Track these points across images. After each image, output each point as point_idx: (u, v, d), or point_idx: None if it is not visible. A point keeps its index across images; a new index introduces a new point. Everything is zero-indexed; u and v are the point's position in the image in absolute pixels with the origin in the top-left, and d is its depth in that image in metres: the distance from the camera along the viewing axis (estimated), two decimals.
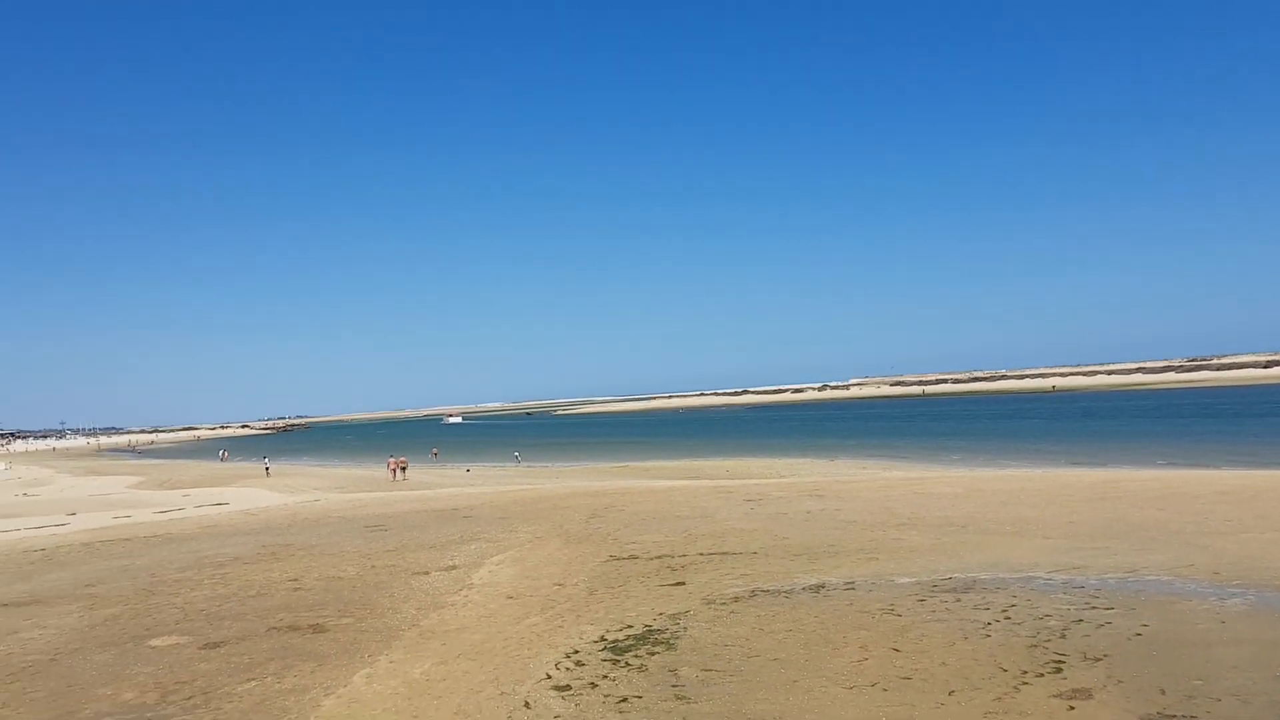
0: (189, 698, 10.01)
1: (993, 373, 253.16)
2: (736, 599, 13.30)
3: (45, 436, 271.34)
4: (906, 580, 14.04)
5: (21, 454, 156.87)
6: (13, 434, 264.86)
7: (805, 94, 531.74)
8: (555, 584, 15.38)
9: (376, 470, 59.93)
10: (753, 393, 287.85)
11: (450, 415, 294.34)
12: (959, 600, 12.41)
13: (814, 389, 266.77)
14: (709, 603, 13.15)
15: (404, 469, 52.22)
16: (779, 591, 13.69)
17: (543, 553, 18.68)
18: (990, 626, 10.92)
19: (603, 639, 11.45)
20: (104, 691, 10.47)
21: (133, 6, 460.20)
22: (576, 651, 10.94)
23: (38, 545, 25.16)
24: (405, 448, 76.54)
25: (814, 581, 14.30)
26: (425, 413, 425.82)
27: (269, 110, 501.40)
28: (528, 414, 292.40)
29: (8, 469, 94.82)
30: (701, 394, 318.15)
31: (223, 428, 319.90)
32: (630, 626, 12.00)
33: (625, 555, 17.73)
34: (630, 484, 36.99)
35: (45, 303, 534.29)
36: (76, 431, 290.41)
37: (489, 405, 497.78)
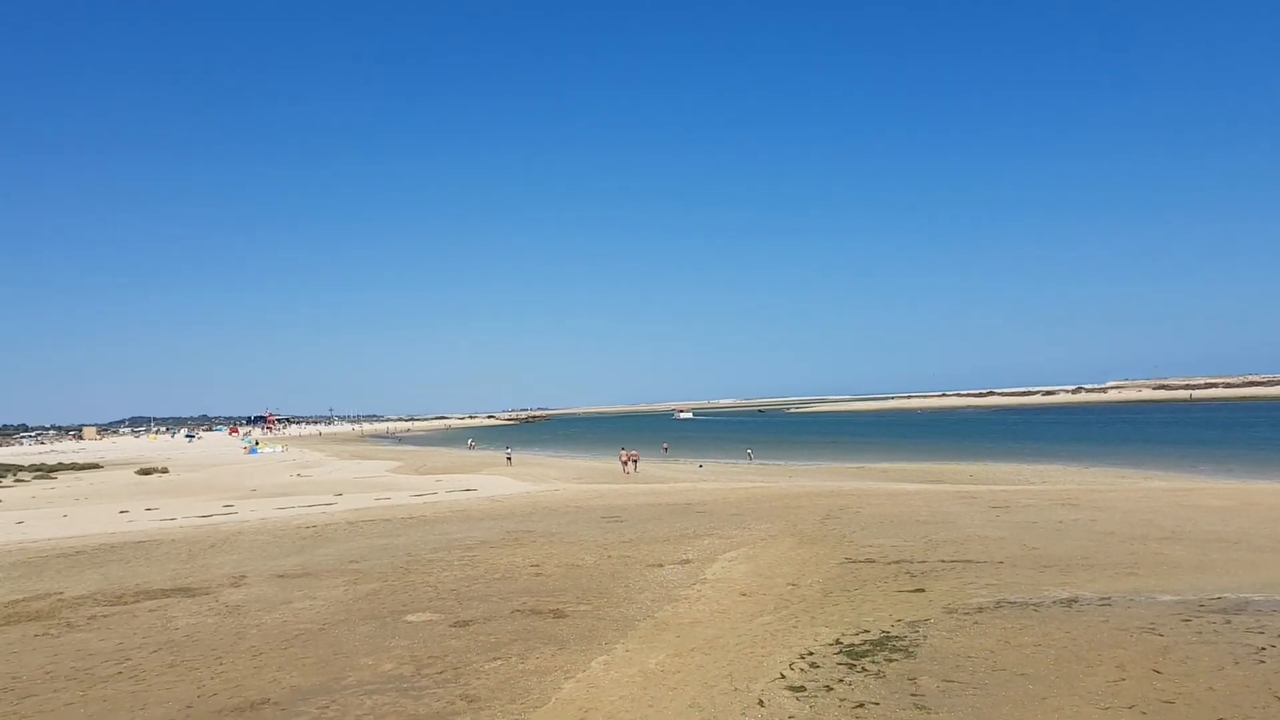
0: (441, 672, 10.58)
1: (1271, 377, 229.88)
2: (980, 609, 12.71)
3: (315, 422, 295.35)
4: (1169, 598, 12.98)
5: (295, 438, 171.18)
6: (289, 419, 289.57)
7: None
8: (789, 583, 15.24)
9: (609, 462, 61.43)
10: (999, 394, 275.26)
11: (681, 411, 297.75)
12: (1229, 622, 11.35)
13: (1067, 391, 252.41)
14: (950, 611, 12.64)
15: (635, 462, 53.05)
16: (1027, 604, 12.98)
17: (776, 551, 18.56)
18: (1265, 652, 9.91)
19: (838, 642, 11.23)
20: (366, 661, 11.23)
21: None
22: (811, 653, 10.78)
23: (310, 522, 27.40)
24: (636, 441, 78.04)
25: (1066, 595, 13.47)
26: (657, 407, 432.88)
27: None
28: (760, 411, 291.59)
29: (284, 451, 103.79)
30: (943, 395, 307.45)
31: (470, 417, 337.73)
32: (867, 631, 11.70)
33: (861, 558, 17.35)
34: (867, 485, 36.20)
35: (318, 303, 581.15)
36: (343, 418, 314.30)
37: (721, 402, 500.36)
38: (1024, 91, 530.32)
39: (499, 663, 10.87)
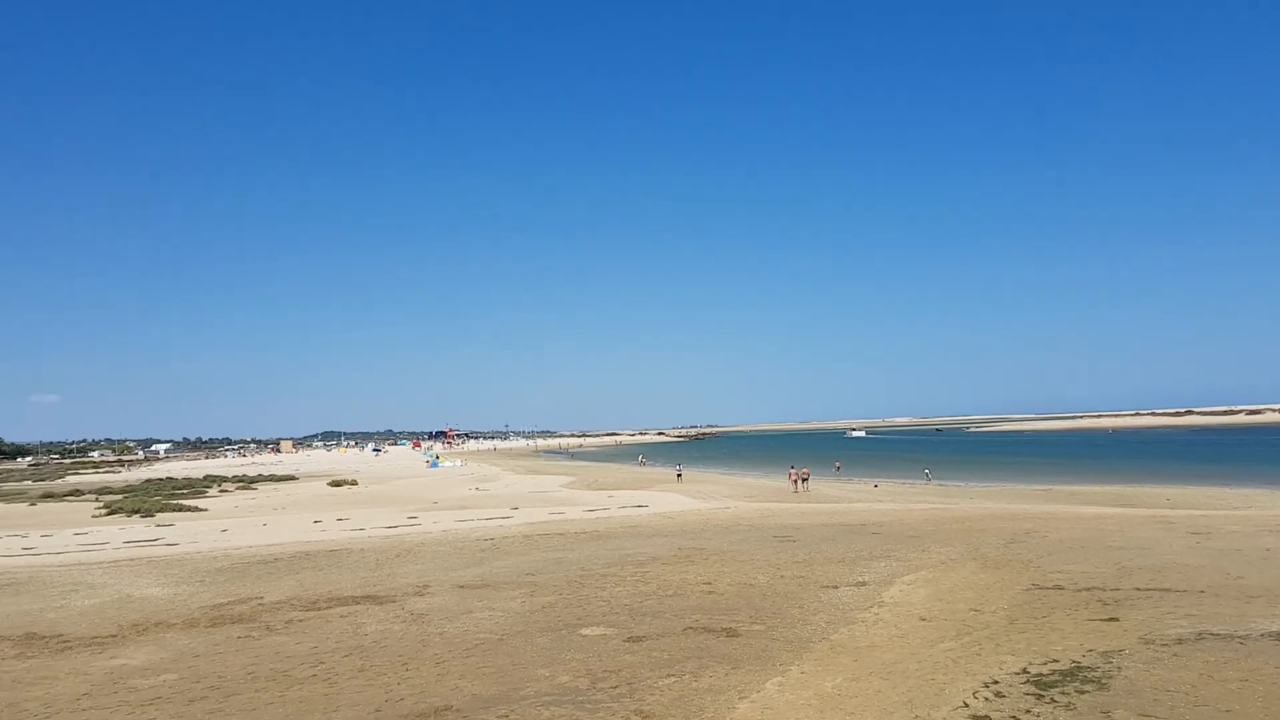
0: (615, 686, 10.66)
1: None
2: (1180, 640, 11.90)
3: (492, 438, 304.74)
4: None
5: (473, 453, 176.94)
6: (467, 434, 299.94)
7: None
8: (971, 609, 14.67)
9: (779, 480, 60.78)
10: (1198, 413, 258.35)
11: (853, 429, 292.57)
12: None
13: (1274, 410, 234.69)
14: (1147, 642, 11.88)
15: (805, 480, 52.39)
16: (1231, 636, 12.07)
17: (957, 575, 17.92)
18: None
19: (1025, 671, 10.72)
20: (543, 672, 11.43)
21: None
22: (996, 682, 10.33)
23: (488, 535, 28.22)
24: (807, 459, 76.98)
25: (1275, 628, 12.46)
26: (829, 426, 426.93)
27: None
28: (938, 430, 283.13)
29: (463, 465, 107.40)
30: (1136, 413, 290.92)
31: (641, 434, 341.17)
32: (1055, 661, 11.13)
33: (1049, 584, 16.53)
34: (1053, 508, 34.54)
35: (495, 321, 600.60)
36: (518, 433, 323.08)
37: (896, 420, 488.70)
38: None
39: (673, 679, 10.87)
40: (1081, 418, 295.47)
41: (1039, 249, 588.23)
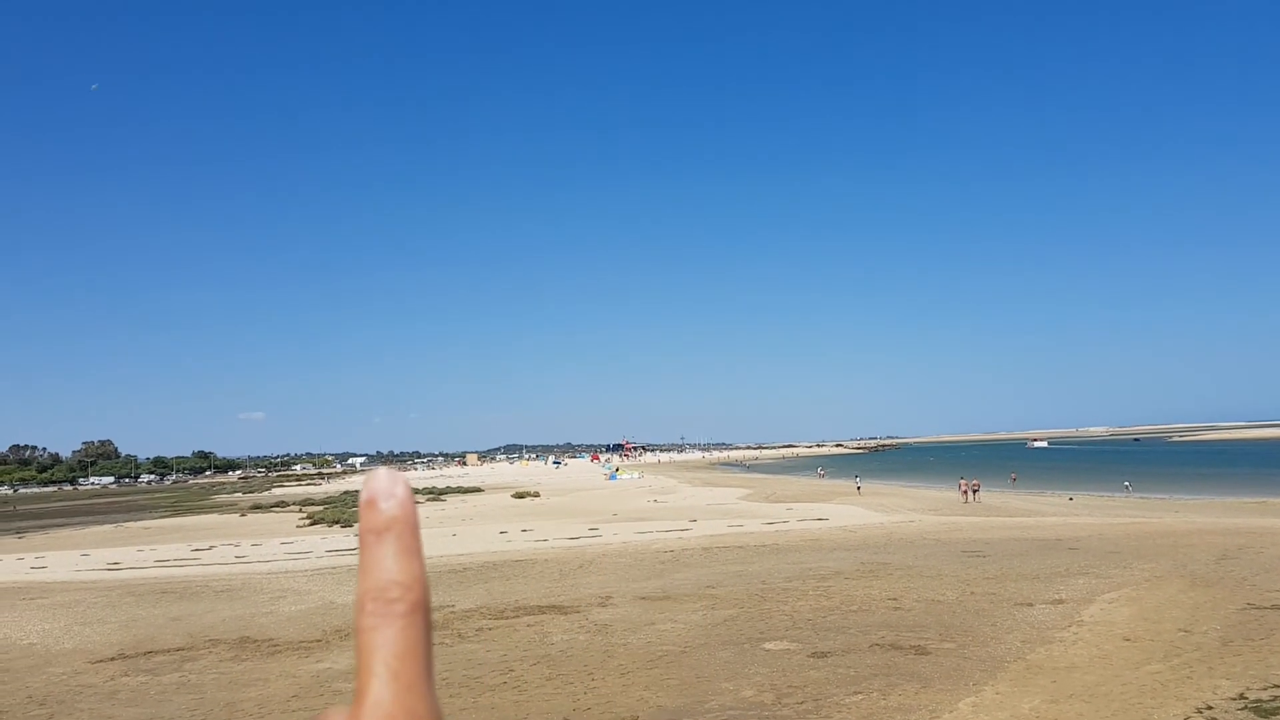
0: (801, 702, 10.51)
1: None
2: None
3: (667, 450, 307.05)
4: None
5: (650, 465, 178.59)
6: (643, 447, 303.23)
7: None
8: (1180, 629, 13.76)
9: (949, 491, 58.78)
10: None
11: (1036, 440, 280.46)
12: None
13: None
14: None
15: (976, 491, 51.54)
16: None
17: (1163, 593, 16.84)
18: None
19: (1241, 696, 9.98)
20: (726, 686, 11.39)
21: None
22: (1209, 707, 9.66)
23: (667, 547, 28.38)
24: (981, 471, 74.16)
25: None
26: (1014, 436, 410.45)
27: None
28: (1136, 440, 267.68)
29: (640, 477, 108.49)
30: None
31: (818, 445, 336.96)
32: (1277, 686, 10.32)
33: (1267, 604, 15.33)
34: (1271, 522, 32.06)
35: (670, 334, 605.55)
36: (693, 446, 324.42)
37: (1091, 430, 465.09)
38: None
39: (860, 697, 10.64)
40: None
41: (1243, 243, 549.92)
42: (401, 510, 0.64)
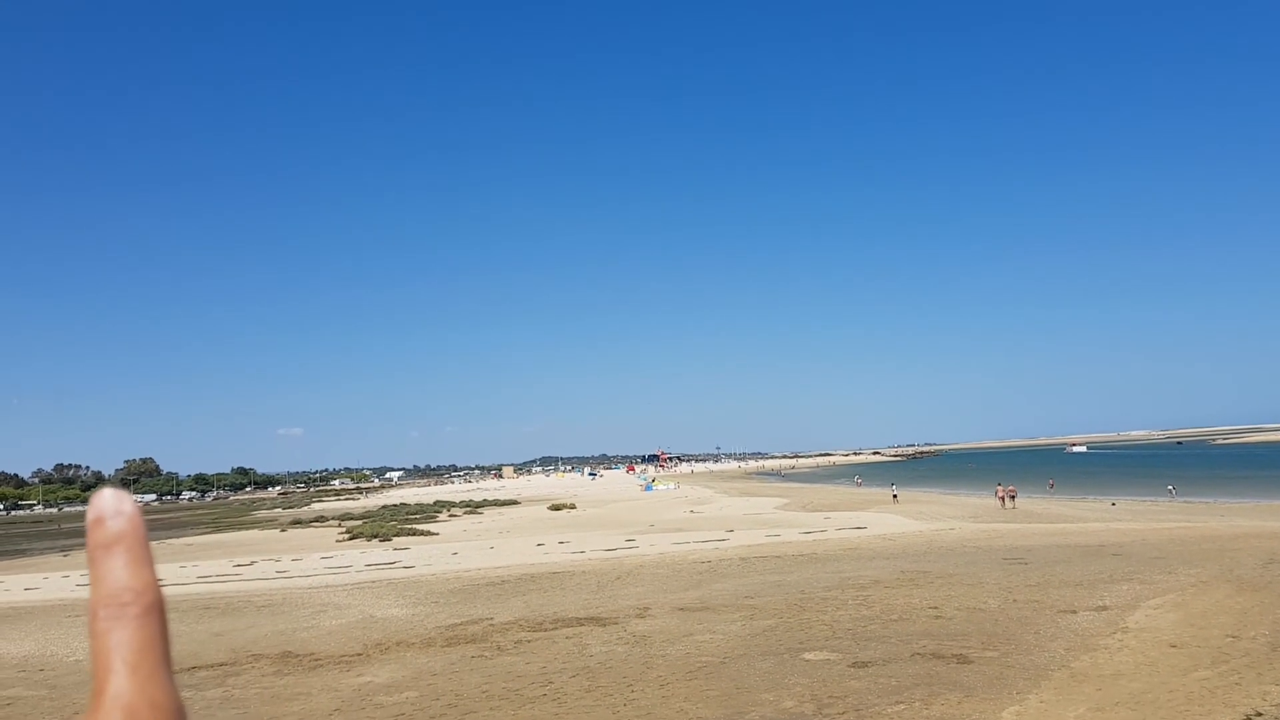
0: (842, 713, 10.45)
1: None
2: None
3: (703, 460, 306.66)
4: None
5: (686, 475, 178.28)
6: (679, 457, 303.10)
7: None
8: (1228, 635, 13.53)
9: (988, 498, 58.22)
10: None
11: (1074, 445, 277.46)
12: None
13: None
14: None
15: (1013, 497, 51.13)
16: None
17: (1209, 599, 16.58)
18: None
19: None
20: (767, 697, 11.34)
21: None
22: (1260, 715, 9.50)
23: (704, 557, 28.31)
24: (1020, 476, 73.44)
25: None
26: (1054, 441, 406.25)
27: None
28: (1179, 444, 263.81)
29: (676, 488, 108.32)
30: None
31: (855, 454, 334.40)
32: None
33: None
34: None
35: (703, 343, 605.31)
36: (729, 455, 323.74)
37: (1132, 434, 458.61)
38: None
39: (902, 707, 10.55)
40: None
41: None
42: (129, 524, 0.66)
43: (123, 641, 0.63)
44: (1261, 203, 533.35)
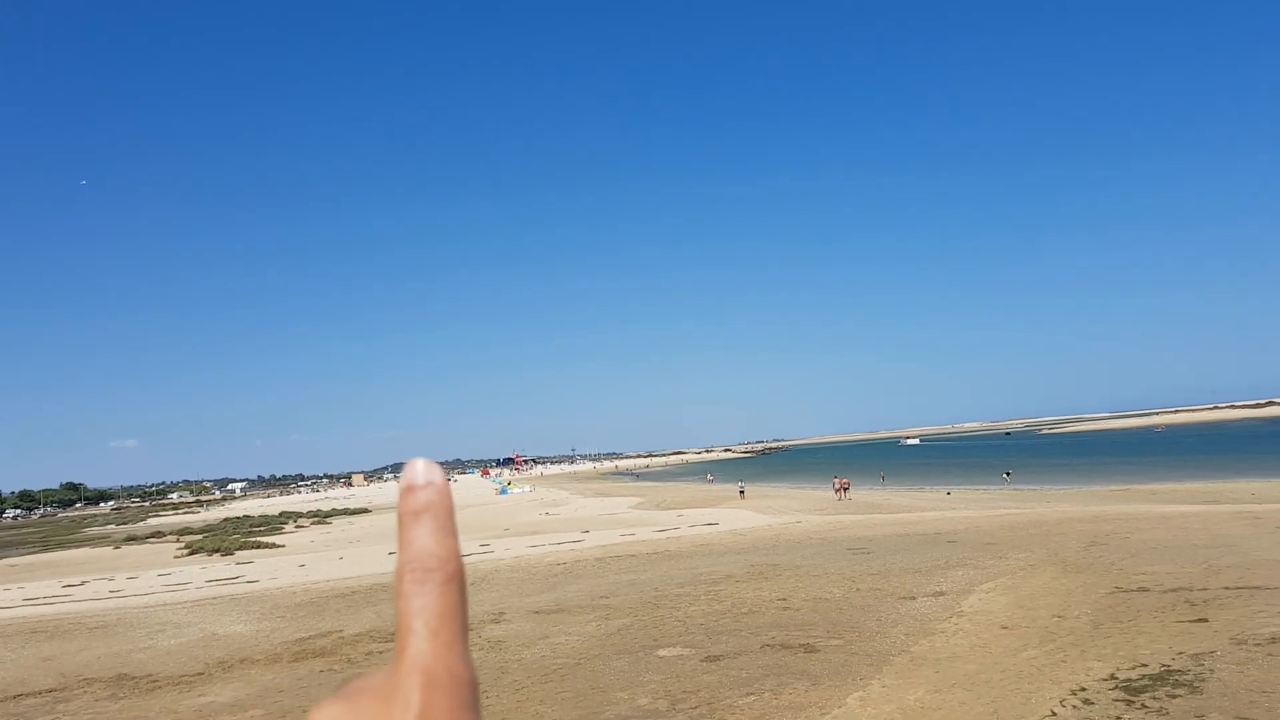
0: (695, 707, 10.62)
1: None
2: (1273, 640, 11.53)
3: (559, 462, 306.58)
4: None
5: (541, 478, 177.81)
6: (534, 460, 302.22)
7: None
8: (1054, 615, 14.37)
9: (828, 491, 60.30)
10: None
11: (908, 438, 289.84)
12: None
13: None
14: (1239, 643, 11.53)
15: (847, 489, 55.08)
16: None
17: (1037, 581, 17.56)
18: None
19: (1113, 677, 10.48)
20: (622, 695, 11.43)
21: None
22: (1083, 689, 10.11)
23: (560, 559, 28.29)
24: (857, 469, 76.73)
25: None
26: (894, 434, 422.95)
27: None
28: (1007, 434, 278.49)
29: (532, 491, 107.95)
30: (1214, 407, 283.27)
31: (707, 451, 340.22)
32: (1144, 665, 10.86)
33: (1133, 587, 16.13)
34: (1133, 508, 33.70)
35: (555, 346, 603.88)
36: (584, 457, 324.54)
37: (965, 426, 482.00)
38: None
39: (752, 698, 10.80)
40: (1158, 414, 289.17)
41: (1097, 243, 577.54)
42: (438, 495, 0.69)
43: (425, 606, 0.63)
44: (1078, 210, 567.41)
